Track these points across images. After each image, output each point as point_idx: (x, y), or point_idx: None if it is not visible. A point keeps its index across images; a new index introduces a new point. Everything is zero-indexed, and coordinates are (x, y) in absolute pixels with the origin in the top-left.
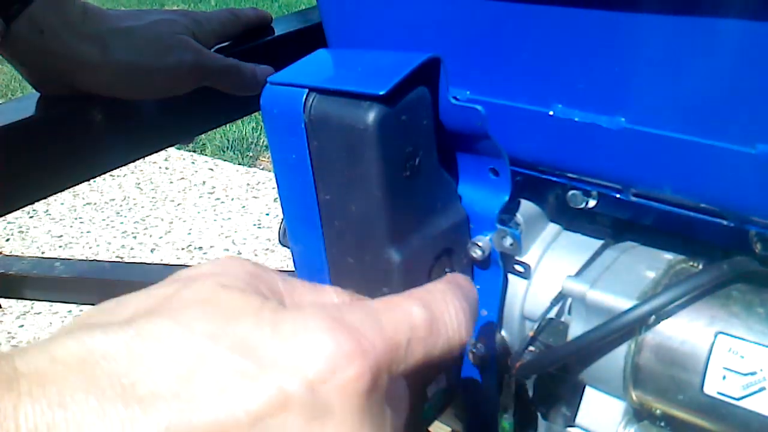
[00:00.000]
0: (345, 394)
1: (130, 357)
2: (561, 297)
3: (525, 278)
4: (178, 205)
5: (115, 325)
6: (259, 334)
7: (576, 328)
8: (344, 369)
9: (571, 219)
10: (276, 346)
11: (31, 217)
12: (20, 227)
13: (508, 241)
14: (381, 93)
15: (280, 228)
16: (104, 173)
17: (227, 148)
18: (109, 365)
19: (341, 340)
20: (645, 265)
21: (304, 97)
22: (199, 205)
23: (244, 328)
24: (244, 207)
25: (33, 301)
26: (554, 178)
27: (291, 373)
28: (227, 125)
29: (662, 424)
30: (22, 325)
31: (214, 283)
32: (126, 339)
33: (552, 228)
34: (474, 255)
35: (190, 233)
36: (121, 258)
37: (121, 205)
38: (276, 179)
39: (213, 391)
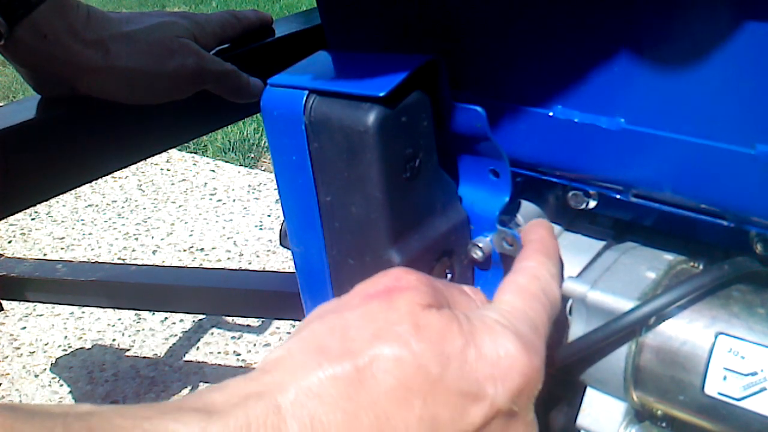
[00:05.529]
0: (529, 400)
1: (374, 386)
2: (562, 298)
3: None
4: (180, 206)
5: (347, 358)
6: (470, 358)
7: (577, 329)
8: (535, 383)
9: (572, 220)
10: (484, 368)
11: (32, 219)
12: (22, 229)
13: (509, 242)
14: (381, 95)
15: (281, 229)
16: (106, 175)
17: (229, 149)
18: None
19: (531, 360)
20: (645, 266)
21: (305, 98)
22: (201, 206)
23: (457, 351)
24: (245, 208)
25: (35, 303)
26: (554, 179)
27: (500, 392)
28: (228, 127)
29: (663, 424)
30: (24, 327)
31: (411, 302)
32: (358, 371)
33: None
34: (474, 256)
35: (191, 235)
36: (123, 260)
37: (122, 207)
38: (277, 181)
39: (449, 411)
